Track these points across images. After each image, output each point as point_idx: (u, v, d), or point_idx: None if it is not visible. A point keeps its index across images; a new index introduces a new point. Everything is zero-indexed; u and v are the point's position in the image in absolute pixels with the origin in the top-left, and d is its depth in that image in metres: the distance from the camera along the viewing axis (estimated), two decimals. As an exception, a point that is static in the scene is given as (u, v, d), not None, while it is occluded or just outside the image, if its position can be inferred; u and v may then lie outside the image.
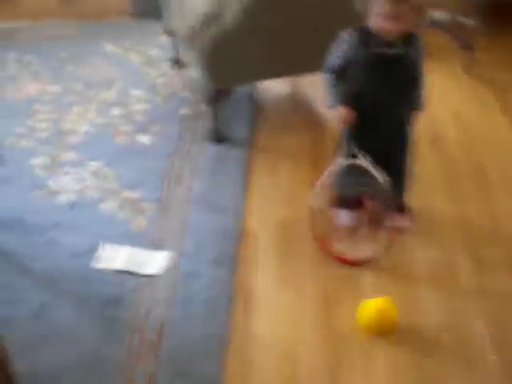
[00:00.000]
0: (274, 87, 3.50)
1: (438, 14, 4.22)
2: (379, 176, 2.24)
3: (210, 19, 2.81)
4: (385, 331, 2.10)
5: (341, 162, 2.34)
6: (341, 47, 2.19)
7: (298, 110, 3.36)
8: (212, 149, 3.00)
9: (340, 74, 2.24)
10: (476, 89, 3.52)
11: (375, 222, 2.47)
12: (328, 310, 2.21)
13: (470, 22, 3.65)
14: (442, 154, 2.97)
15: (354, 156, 2.29)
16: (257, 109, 3.32)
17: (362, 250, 2.39)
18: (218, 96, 2.96)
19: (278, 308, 2.23)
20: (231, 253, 2.42)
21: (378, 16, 2.07)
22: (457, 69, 3.68)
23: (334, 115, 2.27)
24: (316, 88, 3.48)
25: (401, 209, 2.49)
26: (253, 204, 2.68)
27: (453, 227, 2.55)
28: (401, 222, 2.49)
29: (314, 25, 2.84)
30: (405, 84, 2.24)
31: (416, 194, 2.64)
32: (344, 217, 2.52)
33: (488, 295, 2.26)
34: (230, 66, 2.87)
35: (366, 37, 2.14)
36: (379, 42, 2.13)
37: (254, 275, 2.35)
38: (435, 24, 3.97)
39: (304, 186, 2.75)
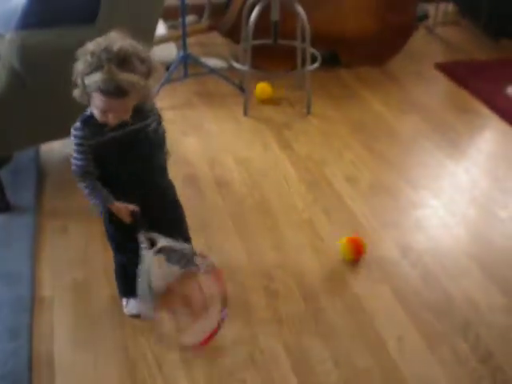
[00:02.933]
0: (60, 148, 3.45)
1: (214, 62, 4.43)
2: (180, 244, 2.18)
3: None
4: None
5: (147, 258, 2.14)
6: (80, 147, 2.00)
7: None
8: (-3, 219, 2.90)
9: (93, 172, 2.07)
10: (255, 129, 3.70)
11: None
12: (130, 364, 2.20)
13: (242, 66, 3.85)
14: (229, 196, 3.08)
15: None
16: (42, 171, 3.26)
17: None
18: (-4, 163, 2.89)
19: (81, 374, 2.17)
20: (26, 323, 2.33)
21: (96, 109, 1.93)
22: (237, 112, 3.86)
23: (118, 213, 2.12)
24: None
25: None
26: (44, 270, 2.62)
27: (243, 264, 2.65)
28: None
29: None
30: (153, 153, 2.15)
31: (206, 238, 2.75)
32: (132, 306, 2.39)
33: (284, 323, 2.37)
34: (2, 131, 2.80)
35: (97, 125, 1.97)
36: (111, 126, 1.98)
37: (52, 343, 2.28)
38: (212, 71, 4.15)
39: (96, 244, 2.73)
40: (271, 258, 2.68)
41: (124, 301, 2.42)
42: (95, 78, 1.83)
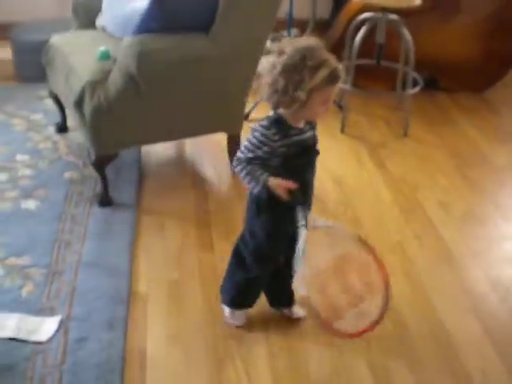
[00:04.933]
0: (159, 149, 3.59)
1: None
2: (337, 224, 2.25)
3: (93, 86, 2.88)
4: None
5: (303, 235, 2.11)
6: (258, 143, 2.08)
7: (182, 171, 3.46)
8: (99, 212, 3.03)
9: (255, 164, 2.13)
10: (351, 146, 3.75)
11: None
12: (219, 367, 2.27)
13: (343, 84, 3.89)
14: (323, 213, 3.11)
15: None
16: (142, 171, 3.40)
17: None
18: (104, 160, 3.02)
19: (171, 369, 2.26)
20: (122, 315, 2.45)
21: (322, 103, 2.04)
22: (334, 129, 3.91)
23: (275, 188, 2.10)
24: (199, 149, 3.63)
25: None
26: (141, 265, 2.73)
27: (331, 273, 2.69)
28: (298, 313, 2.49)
29: (196, 92, 2.98)
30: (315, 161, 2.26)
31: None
32: (239, 317, 2.47)
33: (370, 342, 2.40)
34: (114, 131, 2.95)
35: (285, 128, 2.09)
36: (296, 130, 2.11)
37: (145, 337, 2.38)
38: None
39: (190, 246, 2.85)
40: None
41: (227, 310, 2.47)
42: (323, 73, 1.97)
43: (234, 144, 3.33)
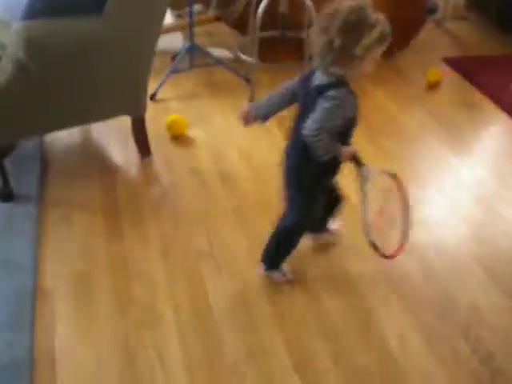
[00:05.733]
0: (63, 136, 3.45)
1: (221, 52, 4.42)
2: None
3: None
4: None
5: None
6: (345, 108, 2.13)
7: (88, 158, 3.33)
8: None
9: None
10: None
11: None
12: (130, 359, 2.21)
13: (248, 58, 3.84)
14: (233, 190, 3.08)
15: None
16: (45, 160, 3.26)
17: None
18: (1, 151, 2.88)
19: (82, 366, 2.18)
20: (27, 314, 2.34)
21: (372, 62, 2.10)
22: (243, 103, 3.84)
23: (345, 156, 2.22)
24: (105, 135, 3.51)
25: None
26: (47, 259, 2.62)
27: (245, 258, 2.66)
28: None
29: (94, 76, 2.86)
30: None
31: (208, 231, 2.75)
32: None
33: (285, 318, 2.37)
34: (9, 121, 2.80)
35: (350, 87, 2.14)
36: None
37: (53, 335, 2.29)
38: (218, 62, 4.14)
39: (98, 237, 2.75)
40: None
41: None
42: (378, 32, 2.03)
43: (138, 127, 3.24)
